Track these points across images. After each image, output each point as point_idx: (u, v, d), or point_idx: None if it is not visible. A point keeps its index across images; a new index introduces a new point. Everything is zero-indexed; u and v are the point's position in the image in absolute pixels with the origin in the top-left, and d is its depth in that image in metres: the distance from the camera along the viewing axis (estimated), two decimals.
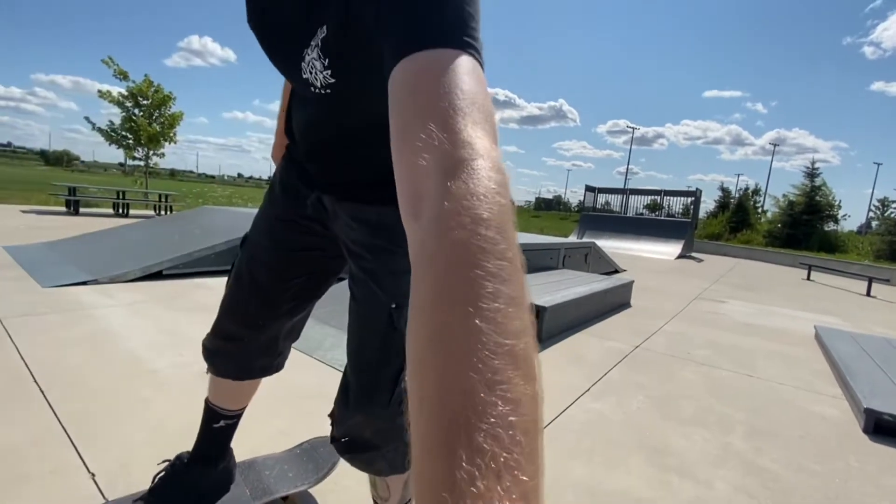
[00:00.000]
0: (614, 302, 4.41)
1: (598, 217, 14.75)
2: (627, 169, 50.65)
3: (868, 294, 7.86)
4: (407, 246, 0.83)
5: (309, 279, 0.96)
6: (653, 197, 16.06)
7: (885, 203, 41.57)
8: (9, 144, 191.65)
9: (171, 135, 12.05)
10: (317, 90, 0.63)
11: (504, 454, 0.18)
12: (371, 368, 0.78)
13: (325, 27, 0.57)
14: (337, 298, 1.45)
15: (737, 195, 23.68)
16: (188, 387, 1.87)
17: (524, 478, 0.18)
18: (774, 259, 13.44)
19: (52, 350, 2.14)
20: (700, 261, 12.07)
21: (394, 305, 0.76)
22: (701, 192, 13.51)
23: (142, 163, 12.24)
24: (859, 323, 5.15)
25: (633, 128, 58.34)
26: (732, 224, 18.64)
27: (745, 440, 1.94)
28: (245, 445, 1.29)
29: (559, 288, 3.89)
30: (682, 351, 3.22)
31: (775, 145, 44.07)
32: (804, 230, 16.07)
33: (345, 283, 0.88)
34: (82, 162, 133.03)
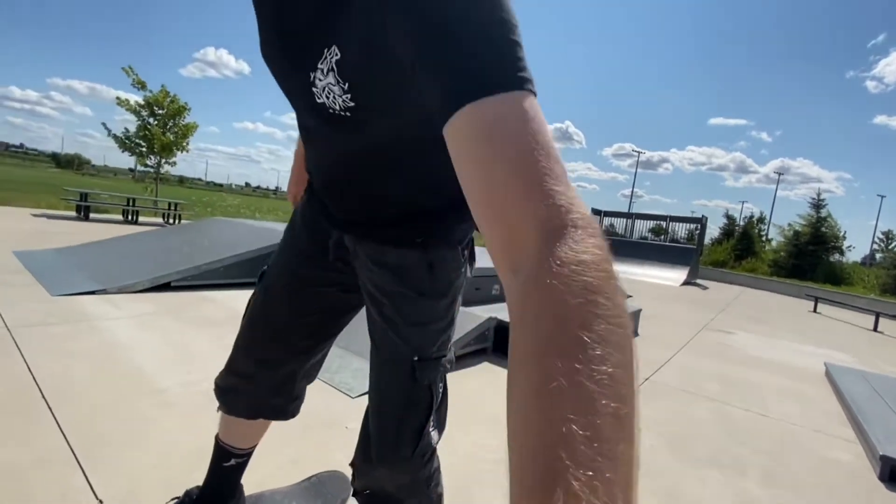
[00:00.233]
0: None
1: None
2: (633, 192, 50.77)
3: (875, 329, 7.77)
4: (428, 292, 0.78)
5: (327, 315, 0.94)
6: (657, 222, 16.05)
7: (889, 236, 41.45)
8: (21, 146, 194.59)
9: (184, 144, 12.22)
10: (335, 112, 0.59)
11: None
12: (394, 421, 0.76)
13: (335, 48, 0.53)
14: None
15: (741, 223, 23.72)
16: (195, 408, 1.85)
17: None
18: (780, 289, 13.34)
19: (60, 363, 2.13)
20: (705, 288, 12.00)
21: (416, 358, 0.75)
22: (706, 218, 13.50)
23: (152, 170, 12.39)
24: (868, 360, 5.08)
25: (639, 152, 58.69)
26: (737, 252, 18.58)
27: (761, 485, 1.90)
28: (252, 475, 1.27)
29: None
30: (694, 385, 3.18)
31: (780, 174, 44.10)
32: (810, 261, 16.00)
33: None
34: (93, 166, 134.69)
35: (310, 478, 1.35)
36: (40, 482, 1.31)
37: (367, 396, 0.84)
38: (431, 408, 0.78)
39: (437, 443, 0.82)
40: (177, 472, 1.41)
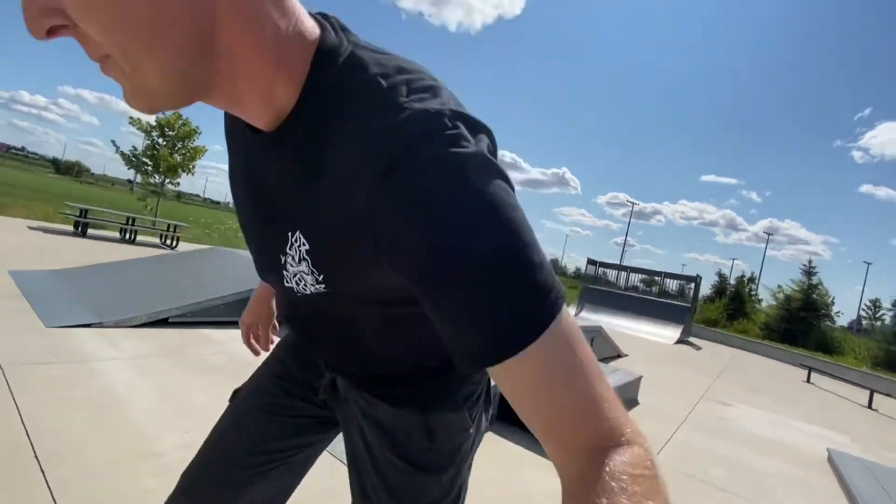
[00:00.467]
0: (624, 398, 4.30)
1: (599, 292, 14.78)
2: (625, 241, 51.50)
3: (870, 406, 7.73)
4: (427, 464, 0.67)
5: (294, 452, 0.78)
6: (635, 269, 16.16)
7: (876, 304, 42.05)
8: (23, 149, 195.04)
9: (191, 167, 12.31)
10: (309, 293, 0.50)
11: None
12: None
13: (299, 235, 0.46)
14: None
15: (733, 281, 24.02)
16: None
17: None
18: (772, 354, 13.34)
19: (56, 414, 2.03)
20: (698, 348, 11.96)
21: None
22: (700, 277, 13.67)
23: (152, 186, 12.39)
24: (869, 444, 5.01)
25: (634, 202, 59.99)
26: (729, 311, 18.71)
27: None
28: None
29: None
30: (698, 470, 3.10)
31: (769, 234, 45.04)
32: (801, 327, 16.13)
33: None
34: (92, 174, 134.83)
35: None
36: None
37: None
38: None
39: None
40: None
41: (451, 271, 0.36)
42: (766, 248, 42.41)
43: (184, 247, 9.99)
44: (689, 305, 13.48)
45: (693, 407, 4.97)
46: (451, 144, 0.37)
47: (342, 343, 0.65)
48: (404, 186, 0.36)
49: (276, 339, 0.90)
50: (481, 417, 0.72)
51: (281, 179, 0.46)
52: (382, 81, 0.40)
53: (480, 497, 2.06)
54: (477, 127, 0.41)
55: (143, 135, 11.78)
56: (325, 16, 0.46)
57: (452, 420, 0.66)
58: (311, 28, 0.43)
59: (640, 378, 4.81)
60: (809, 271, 17.69)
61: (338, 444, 2.42)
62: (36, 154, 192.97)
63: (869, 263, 42.36)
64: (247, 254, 6.89)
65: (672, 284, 15.25)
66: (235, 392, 0.82)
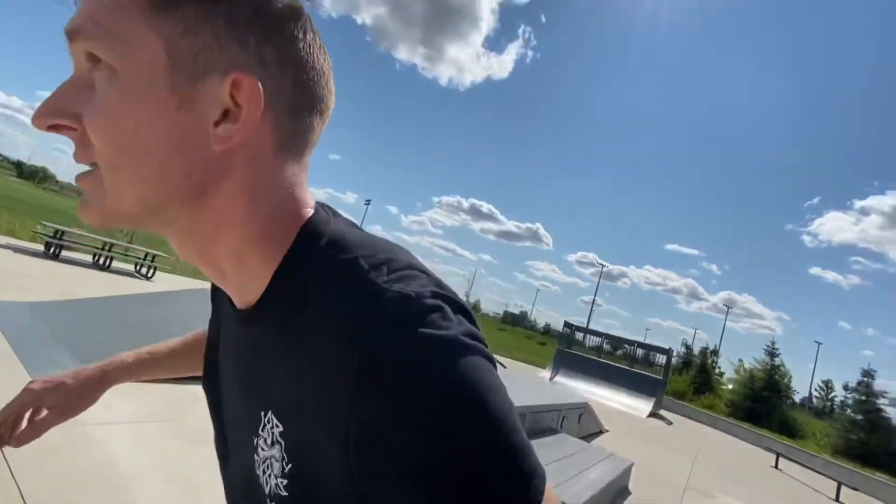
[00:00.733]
0: (617, 486, 4.25)
1: (574, 356, 14.87)
2: (594, 302, 52.63)
3: (837, 499, 7.89)
4: None
5: None
6: (611, 337, 16.42)
7: (828, 385, 43.77)
8: None
9: None
10: (262, 496, 0.44)
11: None
12: None
13: (271, 416, 0.42)
14: None
15: (697, 353, 24.72)
16: None
17: None
18: (738, 433, 13.56)
19: (56, 496, 1.85)
20: (670, 423, 12.05)
21: None
22: (672, 350, 13.98)
23: None
24: None
25: (603, 265, 62.00)
26: (696, 384, 19.07)
27: None
28: None
29: (570, 469, 3.74)
30: None
31: (728, 307, 46.70)
32: (764, 406, 16.56)
33: None
34: (56, 182, 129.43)
35: None
36: None
37: None
38: None
39: None
40: None
41: (428, 468, 0.32)
42: (725, 320, 44.03)
43: (161, 277, 9.58)
44: (661, 378, 13.71)
45: (681, 500, 4.94)
46: (432, 326, 0.35)
47: None
48: (384, 370, 0.34)
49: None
50: None
51: (255, 356, 0.44)
52: (363, 263, 0.39)
53: None
54: (458, 307, 0.39)
55: None
56: (322, 204, 0.46)
57: None
58: (305, 210, 0.43)
59: (631, 465, 4.79)
60: (772, 352, 18.45)
61: None
62: (1, 155, 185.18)
63: (819, 343, 44.58)
64: None
65: (639, 351, 15.54)
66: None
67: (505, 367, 11.30)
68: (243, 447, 0.46)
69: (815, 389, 44.49)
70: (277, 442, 0.41)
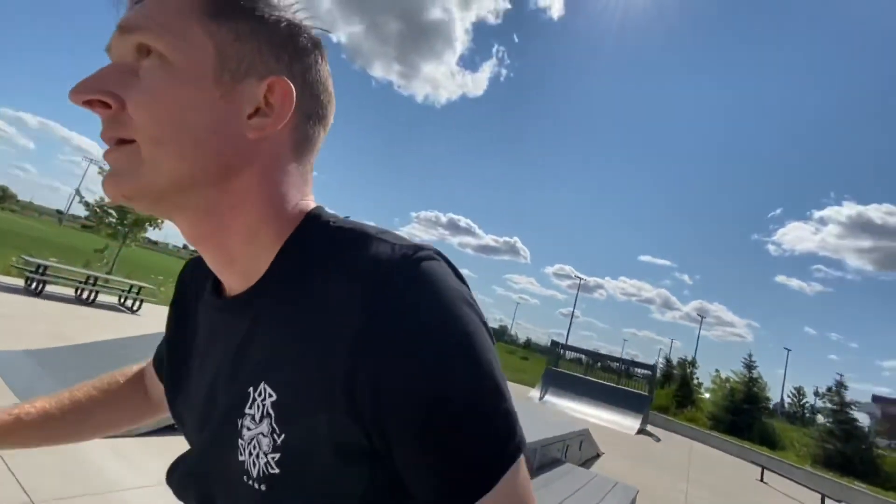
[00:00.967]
0: None
1: (562, 375, 15.07)
2: (573, 314, 53.28)
3: None
4: None
5: None
6: (594, 348, 16.74)
7: (800, 392, 45.34)
8: None
9: (160, 221, 11.82)
10: (247, 481, 0.42)
11: None
12: None
13: (264, 387, 0.41)
14: None
15: (675, 364, 25.32)
16: None
17: None
18: (722, 446, 13.93)
19: None
20: (658, 440, 12.28)
21: None
22: (657, 367, 14.34)
23: (109, 230, 11.65)
24: None
25: (581, 278, 62.96)
26: (678, 398, 19.51)
27: None
28: None
29: (587, 502, 3.84)
30: None
31: (702, 317, 48.09)
32: (745, 419, 17.08)
33: None
34: (17, 201, 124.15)
35: None
36: None
37: None
38: None
39: None
40: None
41: (426, 413, 0.35)
42: (699, 329, 45.23)
43: (147, 309, 9.33)
44: (648, 395, 14.01)
45: None
46: (439, 271, 0.39)
47: None
48: (393, 304, 0.36)
49: None
50: None
51: (248, 339, 0.44)
52: (371, 230, 0.43)
53: None
54: (457, 270, 0.42)
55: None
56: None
57: None
58: (310, 200, 0.48)
59: (636, 493, 4.91)
60: (749, 365, 19.10)
61: None
62: None
63: (789, 350, 46.27)
64: None
65: (620, 365, 15.90)
66: None
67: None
68: (221, 443, 0.45)
69: (788, 396, 46.00)
70: (268, 414, 0.41)
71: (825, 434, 14.89)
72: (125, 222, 11.41)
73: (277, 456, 0.40)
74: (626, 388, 14.56)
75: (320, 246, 0.43)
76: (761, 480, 9.94)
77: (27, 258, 8.41)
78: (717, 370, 21.32)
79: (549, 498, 3.77)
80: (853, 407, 15.46)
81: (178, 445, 0.49)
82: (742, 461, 12.44)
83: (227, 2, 0.41)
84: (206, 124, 0.40)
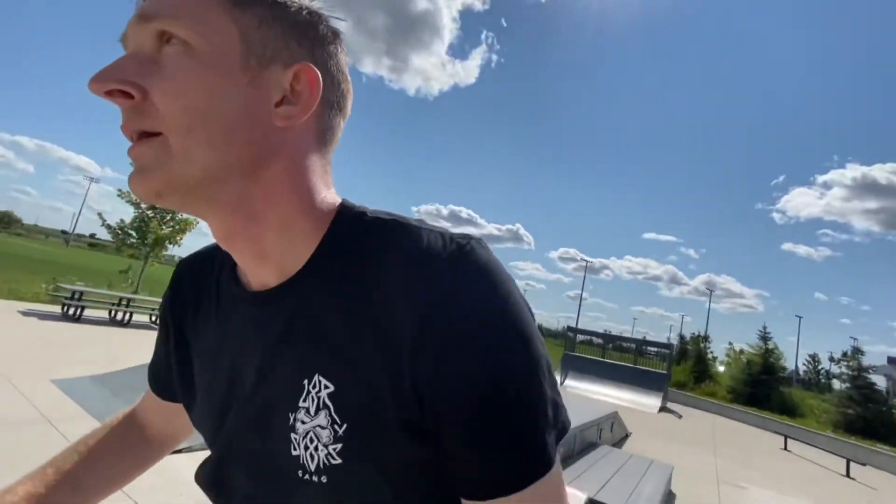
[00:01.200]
0: (665, 491, 4.62)
1: (580, 359, 15.32)
2: (581, 297, 53.44)
3: (847, 475, 8.42)
4: None
5: None
6: (605, 329, 16.98)
7: (815, 359, 45.43)
8: None
9: (178, 239, 12.09)
10: (303, 476, 0.41)
11: None
12: None
13: (318, 378, 0.41)
14: None
15: (685, 336, 25.52)
16: None
17: None
18: (743, 418, 14.19)
19: None
20: (680, 416, 12.53)
21: None
22: (674, 346, 14.59)
23: (131, 251, 11.92)
24: None
25: (587, 260, 63.06)
26: (695, 374, 19.77)
27: None
28: None
29: (628, 483, 4.09)
30: None
31: (711, 291, 47.92)
32: (763, 390, 17.29)
33: None
34: (22, 225, 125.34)
35: None
36: None
37: None
38: None
39: None
40: None
41: (479, 401, 0.36)
42: (709, 303, 45.25)
43: None
44: (666, 374, 14.24)
45: (719, 497, 5.34)
46: (492, 261, 0.40)
47: None
48: (452, 293, 0.37)
49: None
50: None
51: (291, 329, 0.43)
52: (404, 220, 0.43)
53: None
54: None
55: (132, 209, 11.58)
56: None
57: None
58: (335, 197, 0.47)
59: (672, 469, 5.16)
60: (765, 336, 19.30)
61: None
62: None
63: (800, 317, 46.33)
64: None
65: (637, 345, 16.16)
66: None
67: None
68: (269, 438, 0.44)
69: (803, 363, 46.14)
70: (325, 406, 0.40)
71: (845, 399, 15.10)
72: (146, 242, 11.68)
73: (339, 447, 0.40)
74: (644, 367, 14.80)
75: (362, 237, 0.43)
76: (785, 449, 10.17)
77: (62, 285, 8.72)
78: (730, 343, 21.64)
79: (593, 479, 4.02)
80: (871, 371, 15.68)
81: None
82: (764, 431, 12.68)
83: None
84: (236, 112, 0.38)
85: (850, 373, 16.08)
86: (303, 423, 0.41)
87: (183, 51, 0.37)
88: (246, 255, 0.45)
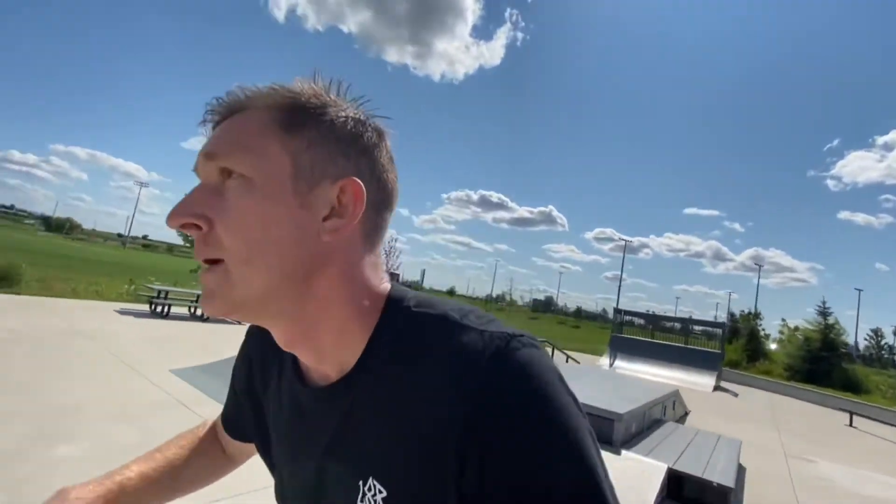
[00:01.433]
0: (735, 465, 4.78)
1: (628, 340, 15.30)
2: (621, 278, 52.40)
3: None
4: None
5: None
6: (648, 310, 16.69)
7: (878, 333, 42.92)
8: (12, 207, 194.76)
9: None
10: None
11: None
12: None
13: (373, 482, 0.42)
14: None
15: (734, 314, 24.71)
16: None
17: None
18: (802, 395, 13.83)
19: None
20: (736, 395, 12.40)
21: None
22: (727, 325, 14.31)
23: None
24: None
25: (624, 239, 61.61)
26: (748, 352, 19.31)
27: None
28: None
29: (701, 457, 4.29)
30: None
31: (760, 266, 45.47)
32: (823, 367, 16.73)
33: None
34: (83, 230, 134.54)
35: None
36: None
37: None
38: None
39: None
40: None
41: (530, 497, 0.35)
42: (758, 278, 43.14)
43: None
44: (720, 352, 14.04)
45: (789, 469, 5.44)
46: (535, 358, 0.40)
47: None
48: (495, 396, 0.37)
49: None
50: None
51: (347, 426, 0.45)
52: (454, 314, 0.43)
53: None
54: (535, 340, 0.43)
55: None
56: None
57: None
58: (385, 284, 0.48)
59: (740, 444, 5.30)
60: (824, 312, 18.56)
61: None
62: (24, 211, 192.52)
63: (860, 290, 43.67)
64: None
65: (685, 325, 15.91)
66: None
67: (578, 362, 11.79)
68: None
69: (865, 338, 43.72)
70: None
71: None
72: None
73: None
74: (694, 347, 14.63)
75: (407, 335, 0.44)
76: (850, 425, 9.96)
77: (149, 286, 9.60)
78: (783, 320, 20.87)
79: (667, 452, 4.24)
80: None
81: None
82: (826, 409, 12.37)
83: (299, 114, 0.42)
84: (289, 236, 0.41)
85: None
86: None
87: (243, 183, 0.40)
88: (307, 357, 0.48)
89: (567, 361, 11.91)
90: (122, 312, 8.66)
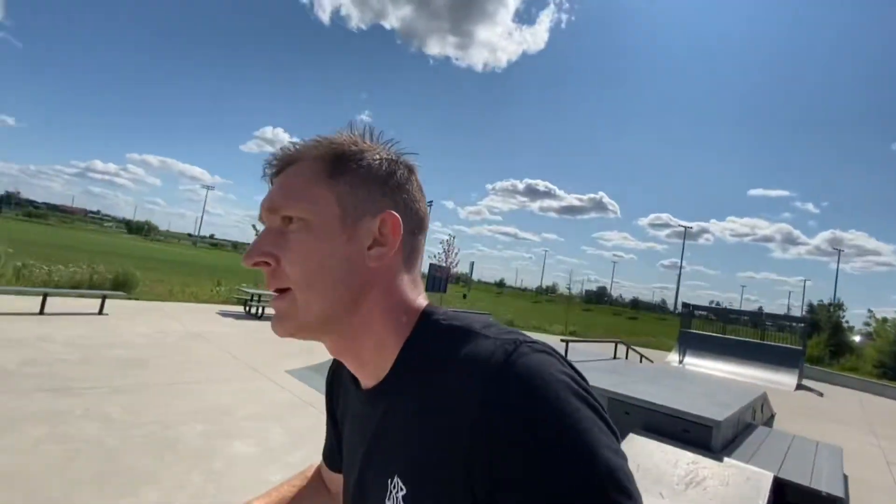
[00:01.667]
0: (839, 476, 4.70)
1: (698, 336, 14.78)
2: (681, 266, 50.01)
3: None
4: None
5: None
6: (713, 302, 15.85)
7: None
8: (98, 212, 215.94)
9: None
10: None
11: None
12: None
13: (397, 479, 0.45)
14: None
15: (813, 307, 22.91)
16: None
17: None
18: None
19: None
20: (820, 394, 11.75)
21: None
22: (810, 319, 13.47)
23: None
24: None
25: (684, 226, 58.50)
26: (831, 347, 18.04)
27: None
28: None
29: (804, 464, 4.27)
30: None
31: (839, 250, 42.08)
32: None
33: None
34: (159, 232, 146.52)
35: None
36: None
37: None
38: None
39: None
40: None
41: (543, 491, 0.36)
42: (837, 264, 39.73)
43: None
44: (800, 348, 13.29)
45: (894, 479, 5.24)
46: (539, 363, 0.41)
47: None
48: (501, 398, 0.39)
49: None
50: None
51: (382, 429, 0.50)
52: (472, 327, 0.48)
53: None
54: (550, 349, 0.45)
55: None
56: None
57: None
58: (421, 302, 0.53)
59: (842, 452, 5.16)
60: None
61: None
62: (109, 216, 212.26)
63: None
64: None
65: (741, 318, 15.06)
66: None
67: (651, 361, 11.54)
68: None
69: None
70: None
71: None
72: None
73: None
74: (771, 343, 13.92)
75: (435, 344, 0.48)
76: None
77: (244, 289, 10.53)
78: (869, 310, 19.20)
79: (767, 459, 4.24)
80: None
81: None
82: None
83: (341, 162, 0.49)
84: (339, 267, 0.48)
85: None
86: None
87: (302, 226, 0.48)
88: (351, 364, 0.54)
89: (641, 361, 11.60)
90: (223, 315, 9.56)
